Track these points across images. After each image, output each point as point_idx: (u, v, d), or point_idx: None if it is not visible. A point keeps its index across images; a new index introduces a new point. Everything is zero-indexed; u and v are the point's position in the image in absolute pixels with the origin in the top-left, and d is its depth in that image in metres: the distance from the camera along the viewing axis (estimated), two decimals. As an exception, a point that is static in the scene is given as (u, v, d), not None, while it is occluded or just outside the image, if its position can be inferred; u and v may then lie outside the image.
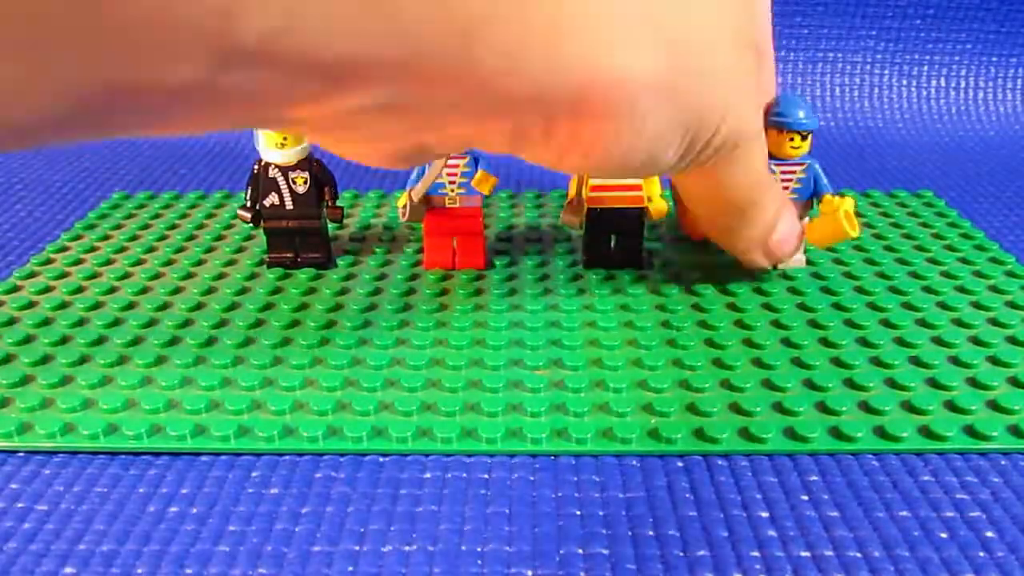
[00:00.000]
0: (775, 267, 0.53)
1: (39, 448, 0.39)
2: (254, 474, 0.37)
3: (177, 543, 0.33)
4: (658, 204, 0.52)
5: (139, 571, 0.32)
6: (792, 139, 0.52)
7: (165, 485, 0.36)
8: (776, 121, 0.53)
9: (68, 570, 0.32)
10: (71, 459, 0.38)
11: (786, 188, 0.52)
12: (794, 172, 0.52)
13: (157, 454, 0.38)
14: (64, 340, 0.47)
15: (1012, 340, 0.47)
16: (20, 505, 0.35)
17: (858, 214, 0.55)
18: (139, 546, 0.33)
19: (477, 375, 0.43)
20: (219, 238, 0.61)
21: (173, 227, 0.63)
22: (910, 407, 0.40)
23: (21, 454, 0.39)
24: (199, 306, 0.51)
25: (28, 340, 0.47)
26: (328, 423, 0.39)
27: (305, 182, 0.53)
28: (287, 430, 0.39)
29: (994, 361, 0.44)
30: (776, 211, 0.46)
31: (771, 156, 0.53)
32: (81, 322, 0.49)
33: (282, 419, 0.40)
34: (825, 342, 0.46)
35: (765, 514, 0.35)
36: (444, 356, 0.45)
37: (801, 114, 0.52)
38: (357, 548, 0.33)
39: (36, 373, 0.44)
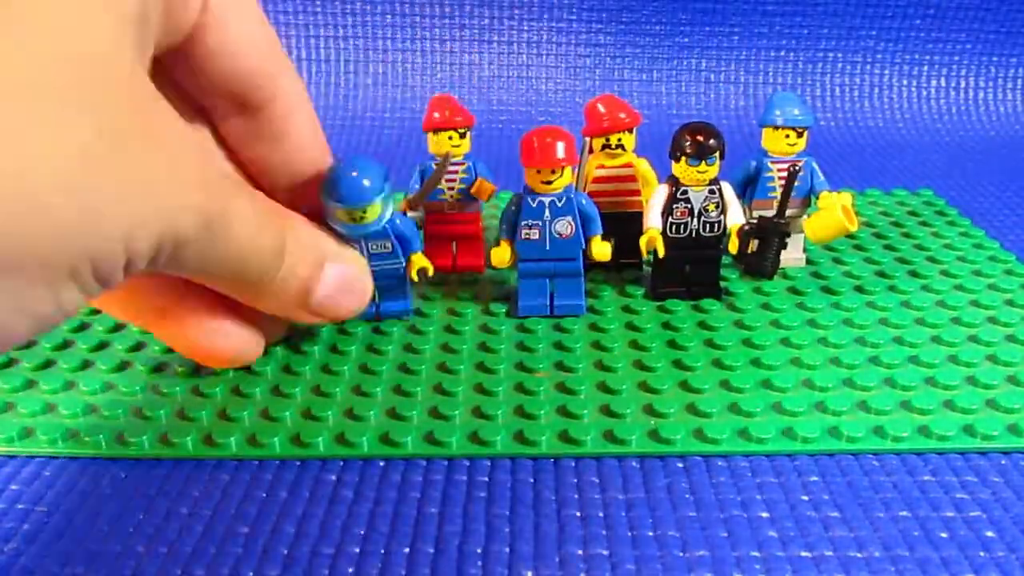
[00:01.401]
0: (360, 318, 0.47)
1: (41, 453, 0.39)
2: (262, 479, 0.37)
3: (184, 544, 0.33)
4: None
5: (146, 572, 0.32)
6: (788, 136, 0.52)
7: (172, 487, 0.37)
8: (772, 119, 0.53)
9: (71, 570, 0.32)
10: (73, 462, 0.38)
11: (783, 185, 0.52)
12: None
13: (160, 459, 0.39)
14: (66, 345, 0.47)
15: (1012, 339, 0.47)
16: (21, 507, 0.36)
17: (857, 213, 0.55)
18: (146, 547, 0.33)
19: (479, 378, 0.43)
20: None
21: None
22: (910, 407, 0.41)
23: (22, 457, 0.39)
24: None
25: (30, 345, 0.47)
26: (333, 429, 0.40)
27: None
28: (293, 437, 0.39)
29: (994, 360, 0.45)
30: (308, 274, 0.39)
31: (768, 153, 0.54)
32: (82, 327, 0.49)
33: (288, 426, 0.40)
34: (824, 342, 0.46)
35: (765, 514, 0.35)
36: (445, 360, 0.45)
37: (797, 111, 0.52)
38: (359, 551, 0.33)
39: (38, 378, 0.44)
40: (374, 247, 0.45)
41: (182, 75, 0.37)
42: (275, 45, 0.39)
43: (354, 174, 0.42)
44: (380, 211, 0.43)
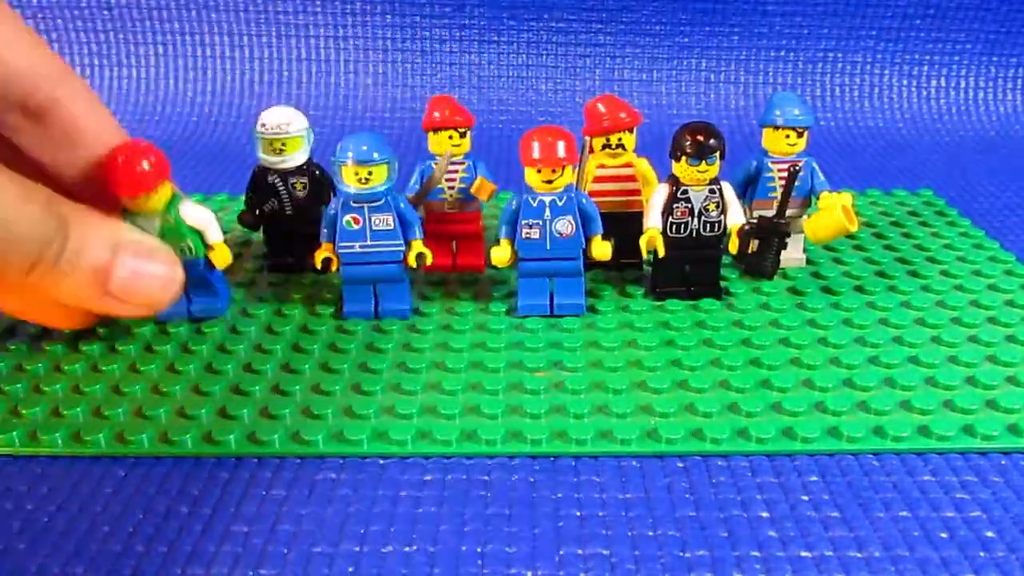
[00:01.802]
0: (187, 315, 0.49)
1: (45, 454, 0.39)
2: (259, 476, 0.37)
3: (182, 543, 0.33)
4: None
5: (146, 571, 0.32)
6: (788, 136, 0.52)
7: (171, 486, 0.37)
8: (772, 119, 0.53)
9: (72, 570, 0.32)
10: (75, 462, 0.38)
11: (783, 185, 0.52)
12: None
13: (160, 457, 0.39)
14: (70, 348, 0.47)
15: (1011, 339, 0.47)
16: (22, 507, 0.36)
17: (857, 213, 0.55)
18: (145, 546, 0.33)
19: (477, 377, 0.43)
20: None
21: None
22: (909, 407, 0.40)
23: (26, 459, 0.39)
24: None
25: (34, 347, 0.47)
26: (330, 427, 0.40)
27: (304, 187, 0.53)
28: (291, 434, 0.39)
29: (994, 360, 0.45)
30: (101, 255, 0.38)
31: (768, 153, 0.54)
32: (87, 330, 0.49)
33: (286, 423, 0.40)
34: (824, 342, 0.46)
35: (765, 514, 0.35)
36: (444, 359, 0.45)
37: (797, 111, 0.52)
38: (358, 549, 0.33)
39: (42, 381, 0.44)
40: (376, 222, 0.47)
41: None
42: (44, 50, 0.40)
43: (363, 138, 0.46)
44: (385, 177, 0.47)
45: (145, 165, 0.43)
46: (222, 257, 0.48)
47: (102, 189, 0.43)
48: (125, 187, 0.43)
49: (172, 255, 0.42)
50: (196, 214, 0.47)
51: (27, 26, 0.40)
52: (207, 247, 0.47)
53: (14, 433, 0.39)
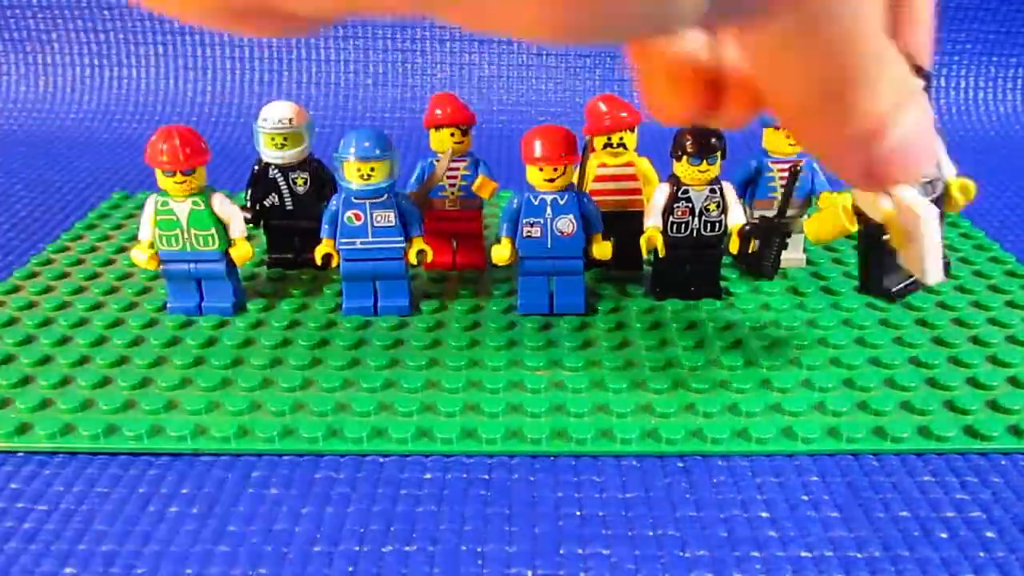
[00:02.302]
0: (885, 196, 0.35)
1: (39, 449, 0.39)
2: (254, 474, 0.37)
3: (177, 543, 0.33)
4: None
5: (139, 571, 0.32)
6: (789, 136, 0.52)
7: (165, 485, 0.36)
8: (773, 119, 0.53)
9: (68, 570, 0.32)
10: (71, 459, 0.38)
11: (783, 185, 0.52)
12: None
13: (157, 454, 0.38)
14: (64, 340, 0.47)
15: (1012, 340, 0.46)
16: (20, 505, 0.35)
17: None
18: (139, 546, 0.33)
19: (477, 376, 0.43)
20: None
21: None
22: (910, 407, 0.40)
23: (21, 454, 0.39)
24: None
25: (28, 340, 0.47)
26: (328, 424, 0.39)
27: (305, 182, 0.53)
28: (287, 431, 0.39)
29: (994, 361, 0.44)
30: (893, 102, 0.29)
31: (769, 153, 0.54)
32: (81, 323, 0.49)
33: (282, 420, 0.40)
34: (824, 342, 0.46)
35: (765, 514, 0.35)
36: (443, 357, 0.45)
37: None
38: (357, 548, 0.33)
39: (36, 374, 0.44)
40: (377, 218, 0.47)
41: None
42: None
43: (365, 134, 0.46)
44: (387, 174, 0.47)
45: (185, 146, 0.46)
46: (242, 253, 0.49)
47: None
48: (168, 162, 0.46)
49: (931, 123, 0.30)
50: (225, 206, 0.48)
51: None
52: (229, 242, 0.48)
53: (11, 427, 0.39)
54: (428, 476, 0.37)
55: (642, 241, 0.49)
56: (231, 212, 0.48)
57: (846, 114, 0.28)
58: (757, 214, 0.54)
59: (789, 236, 0.53)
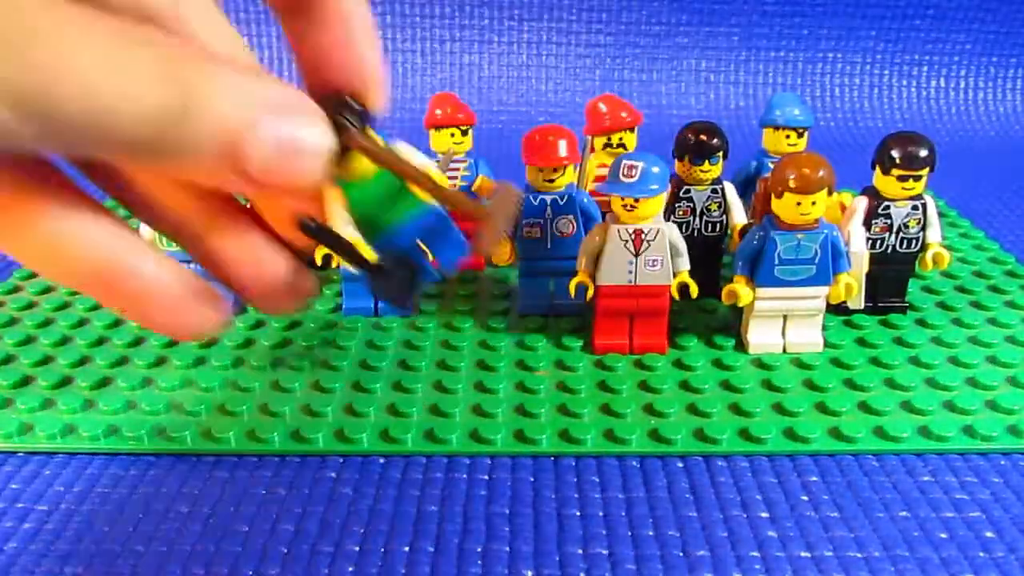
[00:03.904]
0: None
1: (40, 449, 0.39)
2: (258, 475, 0.37)
3: (181, 543, 0.33)
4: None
5: (145, 570, 0.32)
6: (788, 136, 0.52)
7: (168, 485, 0.37)
8: (772, 119, 0.53)
9: (70, 569, 0.32)
10: (71, 459, 0.38)
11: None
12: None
13: (158, 454, 0.38)
14: (64, 341, 0.47)
15: (1011, 340, 0.47)
16: (20, 505, 0.36)
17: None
18: (146, 546, 0.33)
19: (479, 376, 0.43)
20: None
21: (174, 228, 0.63)
22: (910, 407, 0.40)
23: (21, 454, 0.39)
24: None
25: (28, 341, 0.47)
26: (331, 425, 0.40)
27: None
28: (289, 432, 0.39)
29: (994, 361, 0.45)
30: (232, 126, 0.28)
31: (768, 153, 0.54)
32: (81, 323, 0.49)
33: (283, 421, 0.40)
34: (824, 342, 0.46)
35: (765, 514, 0.35)
36: (445, 357, 0.45)
37: (797, 111, 0.52)
38: (358, 548, 0.33)
39: (36, 374, 0.44)
40: None
41: None
42: None
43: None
44: None
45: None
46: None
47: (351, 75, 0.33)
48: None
49: (324, 117, 0.30)
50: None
51: None
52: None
53: (11, 427, 0.39)
54: (430, 476, 0.37)
55: None
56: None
57: (191, 151, 0.26)
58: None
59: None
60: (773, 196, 0.43)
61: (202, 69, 0.28)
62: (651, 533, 0.34)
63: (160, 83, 0.26)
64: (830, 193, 0.42)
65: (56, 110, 0.24)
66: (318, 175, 0.30)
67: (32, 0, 0.23)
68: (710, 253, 0.51)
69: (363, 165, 0.33)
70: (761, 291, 0.44)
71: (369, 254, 0.36)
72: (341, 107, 0.31)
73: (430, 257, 0.38)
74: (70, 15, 0.25)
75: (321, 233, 0.35)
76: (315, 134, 0.30)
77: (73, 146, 0.26)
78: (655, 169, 0.42)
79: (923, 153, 0.45)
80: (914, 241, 0.47)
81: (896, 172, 0.45)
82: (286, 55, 0.95)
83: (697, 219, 0.49)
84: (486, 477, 0.37)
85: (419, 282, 0.38)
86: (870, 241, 0.47)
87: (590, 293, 0.45)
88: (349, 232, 0.35)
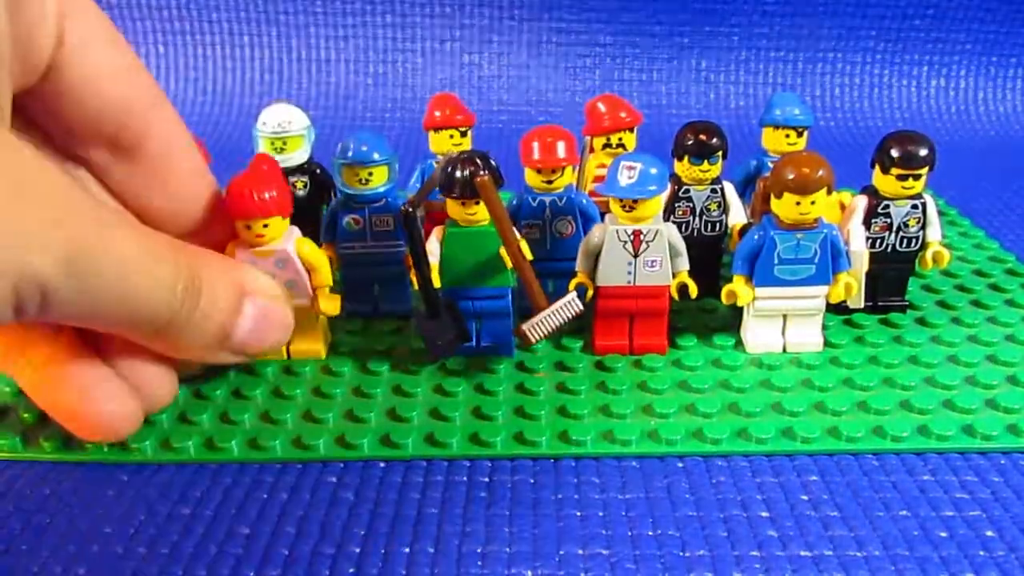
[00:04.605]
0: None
1: (44, 458, 0.39)
2: (262, 480, 0.37)
3: (186, 545, 0.33)
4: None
5: (148, 573, 0.32)
6: (788, 135, 0.52)
7: (174, 489, 0.37)
8: (772, 118, 0.53)
9: (76, 572, 0.32)
10: (77, 466, 0.38)
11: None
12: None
13: (161, 464, 0.39)
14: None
15: (1011, 339, 0.47)
16: (26, 509, 0.36)
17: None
18: (149, 549, 0.33)
19: (478, 379, 0.43)
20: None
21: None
22: (909, 406, 0.41)
23: (26, 462, 0.39)
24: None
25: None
26: (331, 431, 0.40)
27: (305, 186, 0.53)
28: (295, 440, 0.39)
29: (994, 360, 0.45)
30: (226, 311, 0.35)
31: (768, 152, 0.54)
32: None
33: (285, 428, 0.40)
34: (823, 342, 0.46)
35: (765, 514, 0.35)
36: (446, 361, 0.45)
37: (797, 111, 0.52)
38: (359, 550, 0.33)
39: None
40: (376, 222, 0.47)
41: (47, 119, 0.34)
42: (141, 75, 0.36)
43: (363, 138, 0.46)
44: (385, 178, 0.47)
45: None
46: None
47: (195, 226, 0.39)
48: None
49: (285, 299, 0.39)
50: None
51: (125, 47, 0.36)
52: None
53: (17, 438, 0.39)
54: (430, 480, 0.37)
55: None
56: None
57: (177, 339, 0.34)
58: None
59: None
60: (772, 196, 0.43)
61: (202, 258, 0.34)
62: (651, 533, 0.34)
63: (178, 269, 0.32)
64: (829, 192, 0.42)
65: (96, 275, 0.29)
66: (281, 344, 0.39)
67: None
68: (709, 253, 0.51)
69: (481, 212, 0.42)
70: (760, 291, 0.44)
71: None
72: (483, 159, 0.41)
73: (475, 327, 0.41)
74: (102, 212, 0.30)
75: (414, 225, 0.42)
76: (282, 316, 0.38)
77: (107, 321, 0.31)
78: (654, 170, 0.42)
79: (923, 152, 0.45)
80: (914, 240, 0.47)
81: (896, 171, 0.45)
82: (285, 57, 0.95)
83: (696, 219, 0.49)
84: (486, 479, 0.37)
85: (459, 344, 0.41)
86: (870, 240, 0.47)
87: (589, 294, 0.45)
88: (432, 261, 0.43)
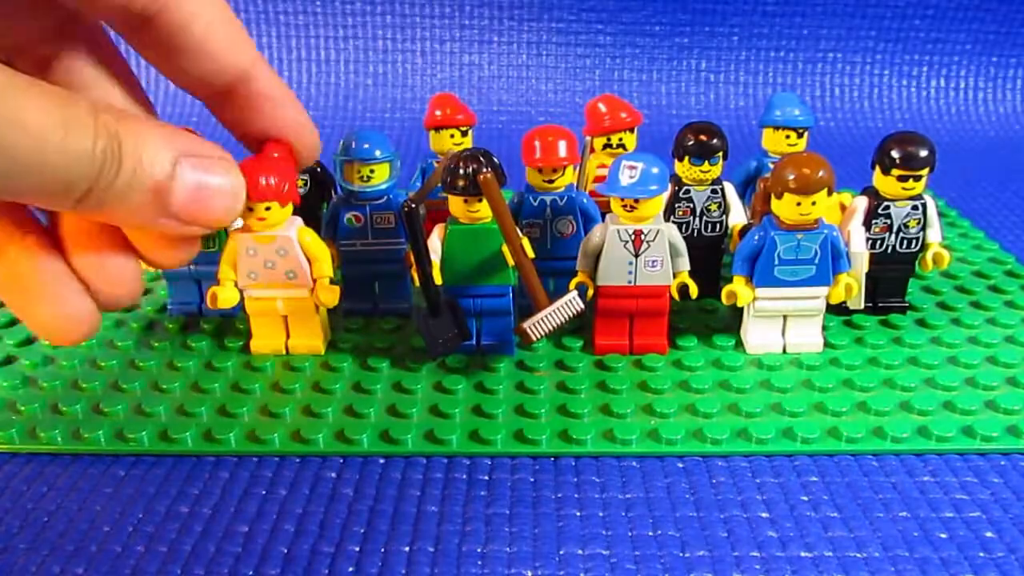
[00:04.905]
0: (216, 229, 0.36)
1: (43, 451, 0.39)
2: (260, 475, 0.37)
3: (184, 543, 0.33)
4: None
5: (146, 571, 0.32)
6: (788, 136, 0.53)
7: (172, 486, 0.37)
8: (772, 119, 0.53)
9: (75, 570, 0.32)
10: (76, 460, 0.38)
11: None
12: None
13: (160, 455, 0.39)
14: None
15: (1011, 340, 0.47)
16: (25, 505, 0.36)
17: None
18: (147, 546, 0.33)
19: (479, 377, 0.43)
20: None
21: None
22: (909, 408, 0.41)
23: (25, 455, 0.39)
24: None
25: (29, 341, 0.47)
26: (331, 426, 0.40)
27: (305, 184, 0.53)
28: (291, 433, 0.39)
29: (993, 361, 0.45)
30: (159, 174, 0.32)
31: (768, 153, 0.54)
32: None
33: (284, 423, 0.40)
34: (824, 343, 0.46)
35: (765, 514, 0.35)
36: (446, 358, 0.45)
37: (797, 111, 0.52)
38: (359, 549, 0.33)
39: (38, 376, 0.44)
40: (377, 220, 0.47)
41: None
42: (240, 32, 0.35)
43: (365, 135, 0.46)
44: (386, 176, 0.47)
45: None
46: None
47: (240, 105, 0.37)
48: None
49: (233, 163, 0.36)
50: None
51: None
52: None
53: (13, 430, 0.39)
54: (430, 477, 0.37)
55: None
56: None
57: (119, 201, 0.31)
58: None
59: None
60: (773, 196, 0.43)
61: (128, 123, 0.32)
62: (650, 533, 0.34)
63: (96, 135, 0.30)
64: (830, 193, 0.42)
65: (4, 155, 0.27)
66: (234, 213, 0.35)
67: None
68: (710, 253, 0.51)
69: (483, 210, 0.42)
70: (761, 291, 0.44)
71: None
72: (487, 156, 0.41)
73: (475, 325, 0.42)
74: (11, 78, 0.28)
75: (416, 221, 0.42)
76: (227, 179, 0.35)
77: (16, 192, 0.29)
78: (655, 170, 0.42)
79: (923, 153, 0.45)
80: (914, 241, 0.47)
81: (896, 172, 0.45)
82: (285, 57, 0.95)
83: (697, 219, 0.49)
84: (486, 477, 0.37)
85: (459, 342, 0.42)
86: (870, 241, 0.47)
87: (590, 293, 0.45)
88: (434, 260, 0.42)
